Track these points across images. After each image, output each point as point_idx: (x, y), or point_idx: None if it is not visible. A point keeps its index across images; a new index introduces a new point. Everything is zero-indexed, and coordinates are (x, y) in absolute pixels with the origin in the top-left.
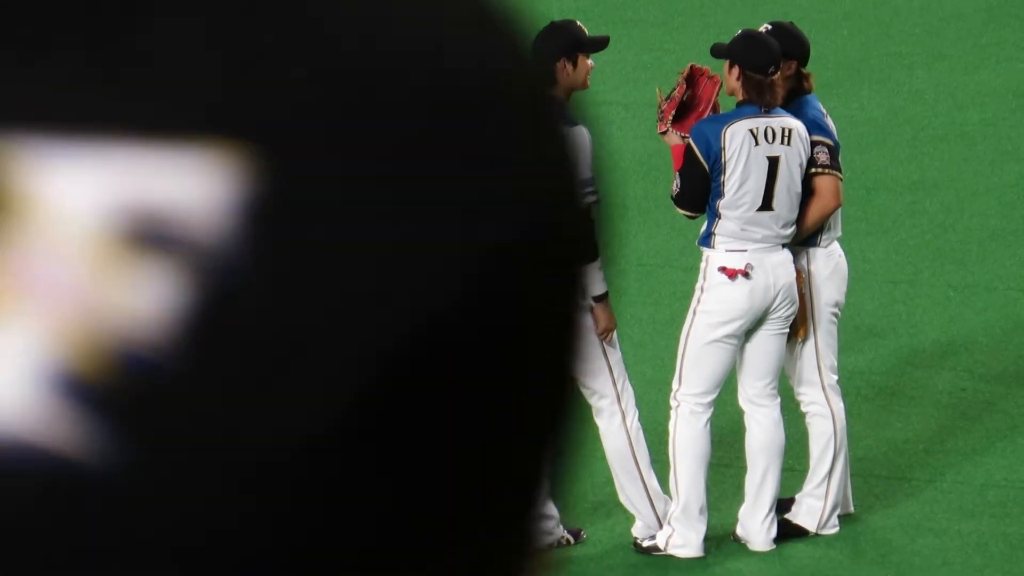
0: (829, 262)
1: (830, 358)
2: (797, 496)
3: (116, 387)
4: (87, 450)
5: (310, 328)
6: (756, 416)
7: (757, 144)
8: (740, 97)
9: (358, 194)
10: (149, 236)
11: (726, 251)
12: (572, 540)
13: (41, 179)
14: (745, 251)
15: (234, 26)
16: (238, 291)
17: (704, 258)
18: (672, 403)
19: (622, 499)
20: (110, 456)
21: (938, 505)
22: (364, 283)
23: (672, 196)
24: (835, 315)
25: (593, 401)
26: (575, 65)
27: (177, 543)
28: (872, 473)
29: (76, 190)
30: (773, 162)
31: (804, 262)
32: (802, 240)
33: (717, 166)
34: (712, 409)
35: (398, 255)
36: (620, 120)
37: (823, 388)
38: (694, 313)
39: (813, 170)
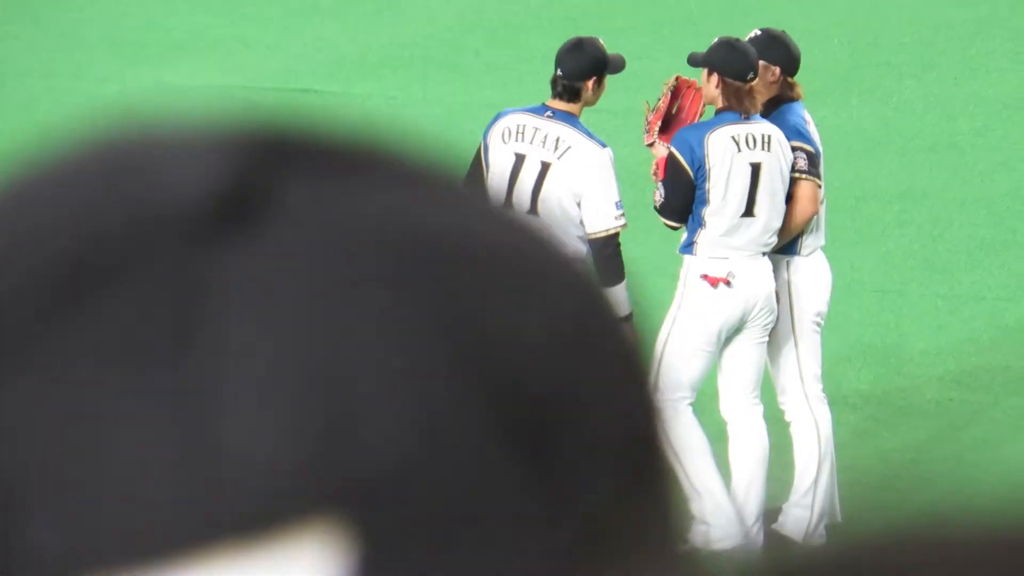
0: (811, 271)
1: (813, 367)
2: (784, 506)
3: None
4: None
5: None
6: (738, 425)
7: (740, 151)
8: (720, 105)
9: (443, 541)
10: None
11: (708, 258)
12: None
13: None
14: (727, 258)
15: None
16: None
17: (684, 266)
18: None
19: None
20: None
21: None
22: None
23: (656, 207)
24: (817, 324)
25: None
26: (600, 84)
27: None
28: (859, 482)
29: None
30: (755, 168)
31: (784, 272)
32: (781, 249)
33: (701, 173)
34: (690, 407)
35: None
36: (610, 128)
37: (806, 397)
38: (673, 320)
39: (792, 175)
